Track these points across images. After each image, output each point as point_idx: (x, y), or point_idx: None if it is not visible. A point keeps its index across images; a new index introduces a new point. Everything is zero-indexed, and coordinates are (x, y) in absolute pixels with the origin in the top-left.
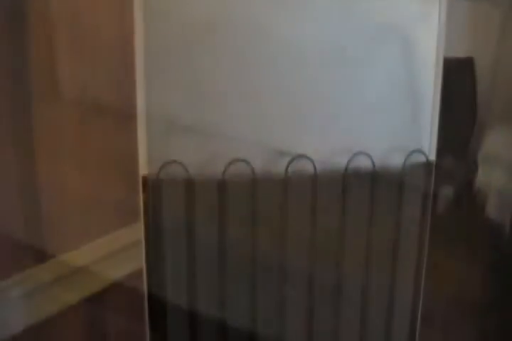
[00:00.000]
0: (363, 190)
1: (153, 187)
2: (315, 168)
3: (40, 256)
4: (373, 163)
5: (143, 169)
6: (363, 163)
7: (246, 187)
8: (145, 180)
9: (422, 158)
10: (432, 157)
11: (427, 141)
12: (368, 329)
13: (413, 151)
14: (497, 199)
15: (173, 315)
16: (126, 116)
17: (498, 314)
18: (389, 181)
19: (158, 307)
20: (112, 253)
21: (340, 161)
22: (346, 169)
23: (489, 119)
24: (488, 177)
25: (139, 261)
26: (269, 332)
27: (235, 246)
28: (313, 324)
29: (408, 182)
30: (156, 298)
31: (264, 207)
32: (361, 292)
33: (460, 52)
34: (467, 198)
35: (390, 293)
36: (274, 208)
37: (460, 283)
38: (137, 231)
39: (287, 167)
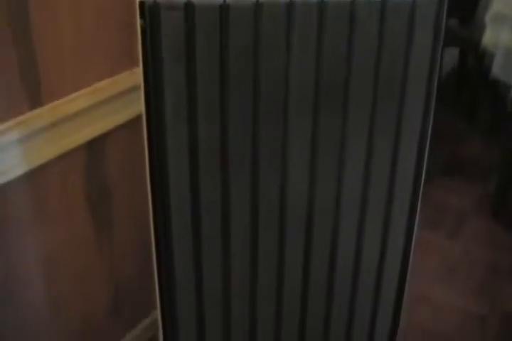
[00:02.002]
0: (372, 20)
1: (150, 13)
2: None
3: (37, 101)
4: None
5: None
6: None
7: (249, 12)
8: (142, 5)
9: None
10: None
11: None
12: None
13: None
14: (503, 58)
15: (174, 160)
16: None
17: (499, 173)
18: (399, 12)
19: (158, 154)
20: (112, 98)
21: None
22: None
23: None
24: (494, 37)
25: (139, 105)
26: (269, 184)
27: (237, 75)
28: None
29: (419, 14)
30: (157, 144)
31: (267, 33)
32: (365, 141)
33: None
34: (473, 58)
35: (395, 140)
36: (278, 34)
37: (462, 144)
38: (137, 76)
39: None
